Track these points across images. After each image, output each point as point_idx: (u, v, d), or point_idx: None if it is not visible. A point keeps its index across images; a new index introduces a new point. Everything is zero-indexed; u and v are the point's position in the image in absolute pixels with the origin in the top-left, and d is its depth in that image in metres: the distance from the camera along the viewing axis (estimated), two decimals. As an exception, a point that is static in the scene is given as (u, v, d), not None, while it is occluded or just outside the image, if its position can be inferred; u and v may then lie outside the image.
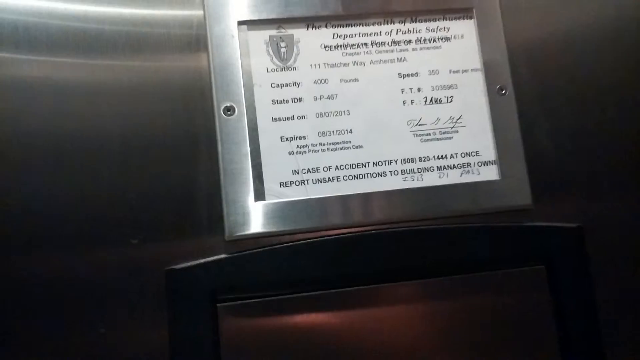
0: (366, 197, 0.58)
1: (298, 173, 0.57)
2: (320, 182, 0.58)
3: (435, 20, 0.63)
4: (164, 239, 0.54)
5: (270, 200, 0.56)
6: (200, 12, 0.58)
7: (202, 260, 0.53)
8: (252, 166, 0.56)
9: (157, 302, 0.52)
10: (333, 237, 0.56)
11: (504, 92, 0.63)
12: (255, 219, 0.55)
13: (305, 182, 0.57)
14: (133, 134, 0.55)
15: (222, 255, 0.54)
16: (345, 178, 0.58)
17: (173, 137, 0.56)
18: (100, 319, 0.52)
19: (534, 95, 0.64)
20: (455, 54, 0.63)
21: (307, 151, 0.58)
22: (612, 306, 0.60)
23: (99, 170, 0.54)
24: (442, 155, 0.61)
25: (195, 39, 0.58)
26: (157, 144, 0.56)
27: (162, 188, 0.54)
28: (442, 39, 0.63)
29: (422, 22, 0.63)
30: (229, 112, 0.56)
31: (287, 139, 0.58)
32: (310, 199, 0.57)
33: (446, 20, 0.64)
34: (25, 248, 0.51)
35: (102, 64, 0.56)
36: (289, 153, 0.57)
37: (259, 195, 0.56)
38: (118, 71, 0.56)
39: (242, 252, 0.54)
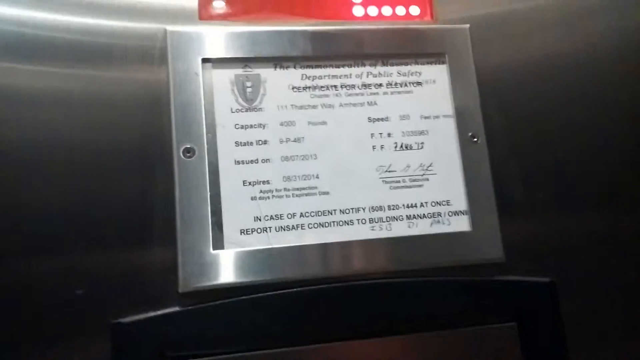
0: (332, 248, 0.55)
1: (260, 220, 0.54)
2: (284, 229, 0.54)
3: (407, 64, 0.62)
4: (111, 288, 0.49)
5: (229, 249, 0.52)
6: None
7: (151, 314, 0.49)
8: (212, 212, 0.52)
9: (102, 357, 0.48)
10: (294, 291, 0.52)
11: (475, 139, 0.61)
12: (213, 269, 0.51)
13: (268, 229, 0.54)
14: (83, 160, 0.51)
15: (175, 308, 0.50)
16: (310, 226, 0.55)
17: (127, 178, 0.52)
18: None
19: (506, 143, 0.63)
20: (427, 99, 0.61)
21: (270, 197, 0.55)
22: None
23: (41, 205, 0.50)
24: (411, 204, 0.58)
25: (155, 80, 0.54)
26: (108, 182, 0.52)
27: (110, 230, 0.50)
28: (413, 84, 0.61)
29: (393, 65, 0.61)
30: (188, 155, 0.53)
31: (249, 183, 0.55)
32: (272, 248, 0.53)
33: (418, 64, 0.62)
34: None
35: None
36: (252, 198, 0.54)
37: (218, 243, 0.52)
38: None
39: (196, 306, 0.50)
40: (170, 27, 0.55)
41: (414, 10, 0.65)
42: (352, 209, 0.57)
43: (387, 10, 0.64)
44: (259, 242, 0.53)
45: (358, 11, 0.63)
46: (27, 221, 0.49)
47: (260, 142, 0.56)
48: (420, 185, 0.59)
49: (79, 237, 0.50)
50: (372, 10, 0.64)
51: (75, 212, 0.51)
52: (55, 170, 0.51)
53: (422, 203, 0.59)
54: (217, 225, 0.53)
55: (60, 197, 0.50)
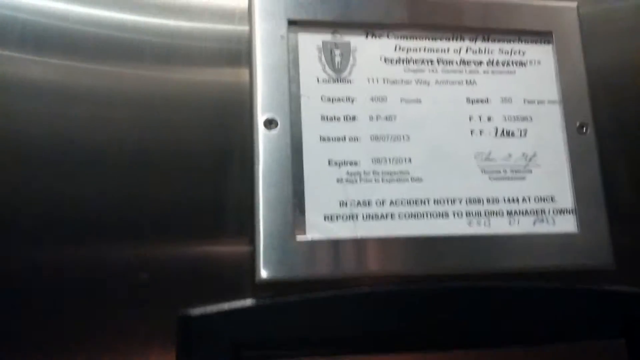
0: (425, 242, 0.48)
1: (347, 205, 0.47)
2: (372, 218, 0.47)
3: (510, 42, 0.54)
4: (179, 276, 0.43)
5: (312, 235, 0.45)
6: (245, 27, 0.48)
7: (225, 306, 0.42)
8: (293, 193, 0.45)
9: (167, 352, 0.41)
10: (385, 289, 0.45)
11: (584, 130, 0.53)
12: (293, 258, 0.44)
13: (355, 217, 0.47)
14: (154, 147, 0.45)
15: (250, 301, 0.43)
16: (400, 216, 0.48)
17: (201, 152, 0.46)
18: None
19: (618, 136, 0.55)
20: (531, 81, 0.54)
21: (358, 180, 0.48)
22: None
23: (106, 184, 0.43)
24: (513, 198, 0.51)
25: (235, 51, 0.48)
26: (180, 158, 0.45)
27: (183, 211, 0.44)
28: (516, 63, 0.54)
29: (495, 42, 0.54)
30: (270, 125, 0.46)
31: (336, 163, 0.48)
32: (359, 238, 0.46)
33: (522, 42, 0.55)
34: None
35: (131, 73, 0.45)
36: (337, 180, 0.47)
37: (300, 228, 0.45)
38: (145, 79, 0.46)
39: (274, 299, 0.43)
40: (255, -18, 0.49)
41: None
42: (447, 199, 0.49)
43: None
44: (344, 230, 0.47)
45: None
46: (95, 208, 0.43)
47: (349, 118, 0.49)
48: (522, 178, 0.52)
49: (145, 222, 0.43)
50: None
51: (147, 189, 0.44)
52: (125, 153, 0.44)
53: (524, 198, 0.51)
54: (299, 208, 0.46)
55: (135, 169, 0.44)
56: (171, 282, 0.43)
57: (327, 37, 0.50)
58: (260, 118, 0.47)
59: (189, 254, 0.44)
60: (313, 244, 0.45)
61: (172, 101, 0.47)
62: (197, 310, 0.42)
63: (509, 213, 0.51)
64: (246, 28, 0.49)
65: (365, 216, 0.48)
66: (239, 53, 0.48)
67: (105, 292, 0.42)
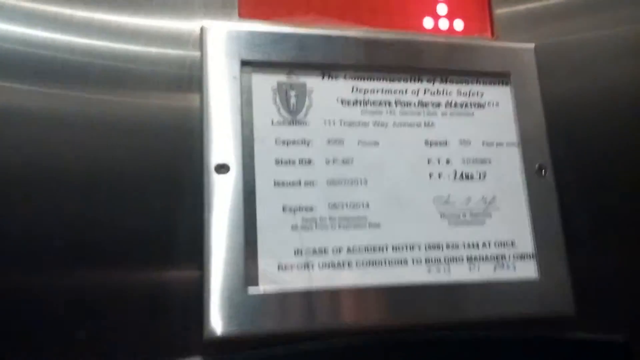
0: (383, 292, 0.46)
1: (302, 254, 0.45)
2: (328, 266, 0.46)
3: (468, 83, 0.54)
4: (121, 333, 0.40)
5: (264, 287, 0.43)
6: (197, 53, 0.46)
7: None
8: (245, 241, 0.43)
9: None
10: (339, 344, 0.43)
11: (543, 172, 0.53)
12: (245, 312, 0.42)
13: (310, 265, 0.45)
14: (100, 182, 0.42)
15: None
16: (358, 264, 0.46)
17: (150, 194, 0.43)
18: None
19: (576, 177, 0.55)
20: (490, 123, 0.54)
21: (314, 226, 0.46)
22: None
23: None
24: (473, 244, 0.50)
25: (187, 80, 0.46)
26: (131, 203, 0.42)
27: (126, 258, 0.41)
28: (475, 105, 0.54)
29: (453, 83, 0.53)
30: (222, 170, 0.44)
31: (290, 209, 0.46)
32: (315, 289, 0.44)
33: (480, 84, 0.54)
34: None
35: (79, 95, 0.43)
36: (292, 227, 0.45)
37: (252, 279, 0.43)
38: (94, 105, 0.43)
39: (224, 357, 0.40)
40: (207, 24, 0.47)
41: (469, 25, 0.58)
42: (406, 245, 0.48)
43: (443, 24, 0.57)
44: (299, 280, 0.45)
45: (411, 21, 0.56)
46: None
47: (304, 162, 0.47)
48: (482, 222, 0.51)
49: (86, 262, 0.40)
50: (427, 23, 0.56)
51: (87, 236, 0.41)
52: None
53: (484, 243, 0.50)
54: (252, 257, 0.44)
55: (75, 219, 0.41)
56: (116, 337, 0.40)
57: (282, 78, 0.49)
58: (212, 163, 0.44)
59: (134, 306, 0.41)
60: (266, 296, 0.43)
61: (123, 125, 0.44)
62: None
63: (469, 259, 0.50)
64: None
65: (321, 265, 0.46)
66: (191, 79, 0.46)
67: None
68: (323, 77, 0.50)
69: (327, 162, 0.48)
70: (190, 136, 0.45)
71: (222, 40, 0.47)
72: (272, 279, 0.44)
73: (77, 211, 0.42)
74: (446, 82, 0.54)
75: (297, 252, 0.45)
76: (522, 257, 0.51)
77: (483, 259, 0.50)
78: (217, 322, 0.41)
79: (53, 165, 0.42)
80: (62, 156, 0.42)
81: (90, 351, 0.40)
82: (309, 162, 0.47)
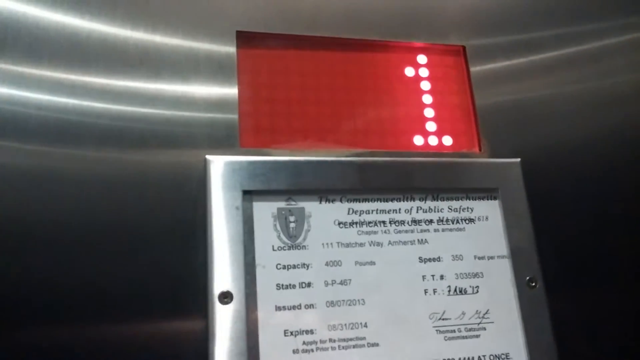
0: (383, 412, 0.47)
1: (303, 378, 0.47)
2: (329, 389, 0.47)
3: (459, 200, 0.57)
4: None
5: (268, 414, 0.45)
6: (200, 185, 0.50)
7: None
8: (249, 368, 0.45)
9: None
10: None
11: (534, 284, 0.55)
12: None
13: (312, 389, 0.46)
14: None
15: None
16: (358, 384, 0.48)
17: (156, 328, 0.45)
18: None
19: (566, 287, 0.57)
20: (481, 237, 0.56)
21: (314, 349, 0.48)
22: None
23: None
24: (469, 358, 0.51)
25: (192, 211, 0.49)
26: (135, 333, 0.45)
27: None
28: (465, 220, 0.57)
29: (444, 200, 0.57)
30: (225, 300, 0.47)
31: (291, 333, 0.48)
32: (316, 413, 0.46)
33: (470, 199, 0.57)
34: None
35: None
36: (294, 351, 0.47)
37: (255, 408, 0.44)
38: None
39: None
40: (210, 157, 0.50)
41: (458, 141, 0.61)
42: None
43: (432, 141, 0.61)
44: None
45: (402, 140, 0.60)
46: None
47: (304, 285, 0.50)
48: (477, 336, 0.53)
49: None
50: (417, 140, 0.60)
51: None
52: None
53: (480, 357, 0.52)
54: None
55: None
56: None
57: (282, 204, 0.52)
58: (216, 292, 0.47)
59: None
60: None
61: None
62: None
63: (466, 376, 0.51)
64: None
65: (322, 387, 0.47)
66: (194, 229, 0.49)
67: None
68: (320, 202, 0.53)
69: (326, 284, 0.50)
70: (195, 265, 0.47)
71: (224, 171, 0.50)
72: (275, 405, 0.45)
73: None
74: (437, 199, 0.57)
75: (299, 376, 0.47)
76: (517, 373, 0.52)
77: (479, 374, 0.51)
78: None
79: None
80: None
81: None
82: (309, 285, 0.50)
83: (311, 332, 0.48)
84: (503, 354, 0.53)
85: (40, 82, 0.49)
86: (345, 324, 0.50)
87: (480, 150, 0.61)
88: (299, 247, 0.51)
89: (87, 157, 0.48)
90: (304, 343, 0.48)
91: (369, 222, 0.54)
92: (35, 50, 0.49)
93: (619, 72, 0.68)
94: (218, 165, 0.50)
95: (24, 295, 0.43)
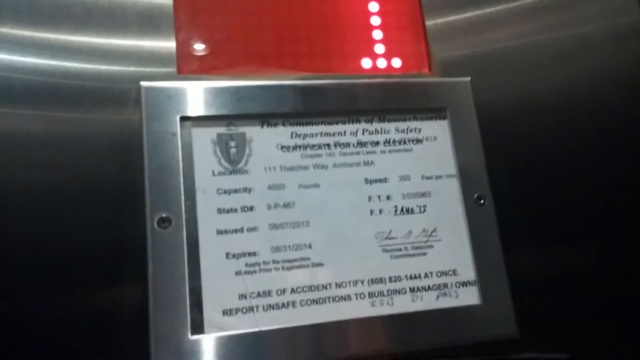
0: (327, 328, 0.48)
1: (246, 298, 0.47)
2: (273, 308, 0.48)
3: (406, 120, 0.56)
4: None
5: (210, 333, 0.45)
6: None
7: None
8: (190, 290, 0.46)
9: None
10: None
11: (482, 201, 0.55)
12: (191, 358, 0.44)
13: (255, 308, 0.47)
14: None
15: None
16: (302, 303, 0.49)
17: (93, 252, 0.45)
18: None
19: (515, 204, 0.57)
20: (428, 157, 0.56)
21: (257, 270, 0.48)
22: None
23: None
24: (415, 275, 0.52)
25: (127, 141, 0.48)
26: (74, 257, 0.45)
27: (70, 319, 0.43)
28: (413, 141, 0.56)
29: (391, 121, 0.56)
30: (163, 225, 0.47)
31: (234, 255, 0.48)
32: (259, 331, 0.46)
33: (417, 120, 0.57)
34: None
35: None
36: (236, 273, 0.48)
37: (197, 327, 0.45)
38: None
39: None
40: (145, 83, 0.50)
41: (407, 63, 0.60)
42: (349, 282, 0.50)
43: (381, 63, 0.59)
44: (244, 324, 0.47)
45: (349, 63, 0.59)
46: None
47: (246, 209, 0.50)
48: (424, 254, 0.53)
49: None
50: (365, 63, 0.59)
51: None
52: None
53: (426, 273, 0.53)
54: (196, 305, 0.46)
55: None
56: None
57: (222, 129, 0.51)
58: (155, 218, 0.47)
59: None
60: (210, 341, 0.45)
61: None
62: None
63: (412, 290, 0.52)
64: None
65: (265, 307, 0.48)
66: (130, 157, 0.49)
67: None
68: (262, 126, 0.53)
69: (269, 207, 0.50)
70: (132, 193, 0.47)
71: (159, 97, 0.50)
72: (217, 325, 0.46)
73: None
74: (384, 121, 0.56)
75: (242, 296, 0.47)
76: (464, 284, 0.53)
77: (425, 288, 0.52)
78: (162, 371, 0.43)
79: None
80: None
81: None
82: (251, 208, 0.50)
83: (254, 254, 0.49)
84: (450, 270, 0.53)
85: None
86: (289, 246, 0.50)
87: (430, 71, 0.60)
88: (240, 172, 0.51)
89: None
90: (246, 265, 0.48)
91: (313, 146, 0.53)
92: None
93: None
94: (152, 92, 0.50)
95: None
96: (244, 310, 0.47)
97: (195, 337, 0.45)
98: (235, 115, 0.52)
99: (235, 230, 0.49)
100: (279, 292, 0.48)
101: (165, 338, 0.44)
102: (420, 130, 0.57)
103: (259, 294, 0.48)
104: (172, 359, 0.44)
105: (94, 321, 0.45)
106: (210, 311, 0.46)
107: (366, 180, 0.54)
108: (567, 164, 0.60)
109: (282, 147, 0.52)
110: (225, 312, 0.47)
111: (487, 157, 0.57)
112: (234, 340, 0.46)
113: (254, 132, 0.52)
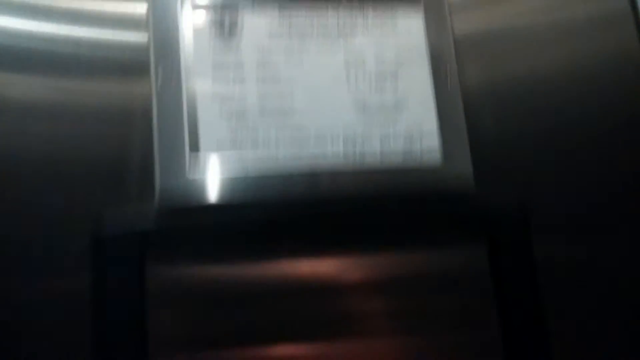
0: (304, 175, 0.58)
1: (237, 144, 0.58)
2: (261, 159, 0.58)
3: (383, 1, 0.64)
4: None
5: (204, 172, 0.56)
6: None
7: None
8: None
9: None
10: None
11: (450, 79, 0.63)
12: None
13: (245, 157, 0.58)
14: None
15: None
16: (285, 155, 0.58)
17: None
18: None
19: (479, 82, 0.65)
20: (403, 38, 0.64)
21: (247, 120, 0.58)
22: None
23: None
24: (385, 136, 0.61)
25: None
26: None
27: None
28: (390, 23, 0.64)
29: (369, 7, 0.64)
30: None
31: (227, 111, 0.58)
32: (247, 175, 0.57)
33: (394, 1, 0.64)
34: None
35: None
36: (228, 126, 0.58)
37: (194, 168, 0.56)
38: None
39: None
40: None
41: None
42: (326, 137, 0.59)
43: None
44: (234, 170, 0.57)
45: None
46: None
47: (237, 80, 0.59)
48: (395, 120, 0.61)
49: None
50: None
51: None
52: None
53: (395, 136, 0.61)
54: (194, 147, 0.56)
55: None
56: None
57: (217, 11, 0.60)
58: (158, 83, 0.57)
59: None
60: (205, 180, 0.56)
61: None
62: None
63: (382, 152, 0.61)
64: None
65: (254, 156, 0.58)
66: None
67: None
68: (253, 8, 0.61)
69: (258, 80, 0.60)
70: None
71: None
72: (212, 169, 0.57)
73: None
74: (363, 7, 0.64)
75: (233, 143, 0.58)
76: (429, 149, 0.61)
77: (393, 151, 0.61)
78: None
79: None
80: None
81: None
82: (242, 80, 0.59)
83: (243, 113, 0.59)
84: (417, 137, 0.61)
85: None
86: (275, 103, 0.59)
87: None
88: (233, 49, 0.60)
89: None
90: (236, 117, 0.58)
91: (297, 25, 0.62)
92: None
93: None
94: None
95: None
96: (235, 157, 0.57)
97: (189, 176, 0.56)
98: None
99: (228, 96, 0.58)
100: (264, 144, 0.58)
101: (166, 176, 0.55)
102: (396, 11, 0.64)
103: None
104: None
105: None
106: (205, 156, 0.57)
107: (345, 62, 0.62)
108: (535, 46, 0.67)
109: (270, 27, 0.61)
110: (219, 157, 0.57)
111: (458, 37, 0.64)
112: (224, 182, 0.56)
113: (246, 14, 0.61)
